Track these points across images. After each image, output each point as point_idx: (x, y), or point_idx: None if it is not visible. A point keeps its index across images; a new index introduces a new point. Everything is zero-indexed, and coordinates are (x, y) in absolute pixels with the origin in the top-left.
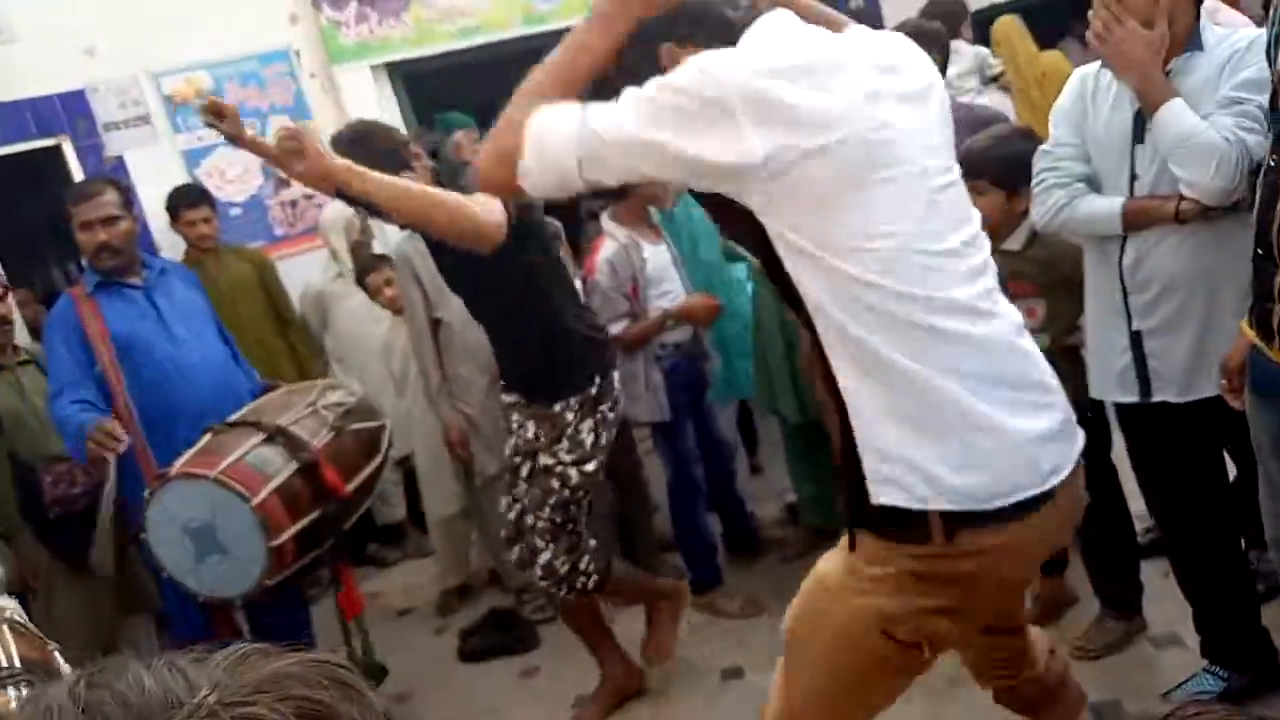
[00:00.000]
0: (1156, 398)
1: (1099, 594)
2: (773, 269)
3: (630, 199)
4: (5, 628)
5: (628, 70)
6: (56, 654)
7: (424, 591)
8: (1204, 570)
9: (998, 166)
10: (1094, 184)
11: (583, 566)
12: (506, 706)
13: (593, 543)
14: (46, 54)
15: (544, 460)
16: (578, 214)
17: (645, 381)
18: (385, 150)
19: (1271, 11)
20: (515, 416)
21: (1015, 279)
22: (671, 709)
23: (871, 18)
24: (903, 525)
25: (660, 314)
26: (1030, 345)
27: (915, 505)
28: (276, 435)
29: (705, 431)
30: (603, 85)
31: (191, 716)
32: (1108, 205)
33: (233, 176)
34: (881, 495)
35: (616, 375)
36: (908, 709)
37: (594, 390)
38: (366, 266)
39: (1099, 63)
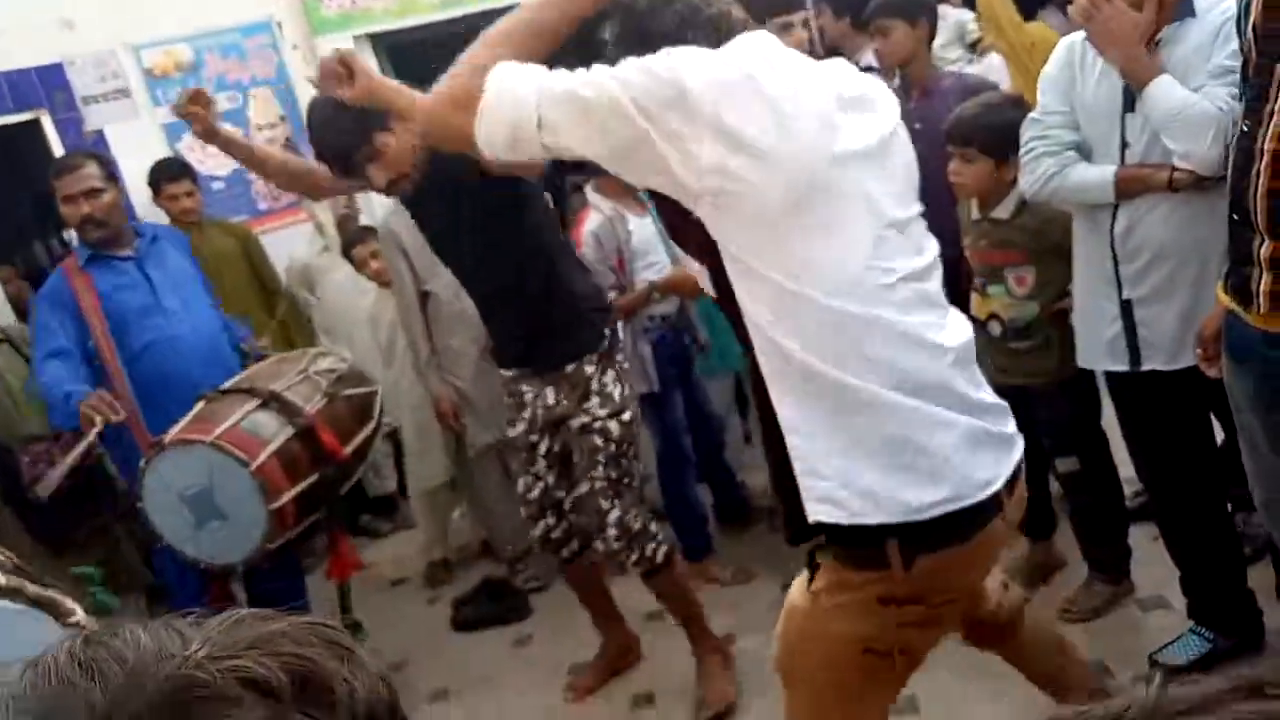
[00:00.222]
0: (1146, 366)
1: (1087, 558)
2: (718, 280)
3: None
4: None
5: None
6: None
7: (416, 562)
8: (1191, 534)
9: (986, 134)
10: (1084, 152)
11: (653, 529)
12: (501, 675)
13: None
14: (23, 26)
15: (578, 421)
16: (563, 186)
17: (632, 353)
18: (368, 111)
19: None
20: (525, 389)
21: (1005, 247)
22: (664, 674)
23: None
24: (859, 553)
25: (646, 286)
26: (972, 364)
27: (850, 521)
28: (271, 401)
29: (693, 403)
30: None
31: (180, 667)
32: (1099, 174)
33: (215, 150)
34: (818, 513)
35: (621, 328)
36: None
37: (605, 345)
38: (353, 239)
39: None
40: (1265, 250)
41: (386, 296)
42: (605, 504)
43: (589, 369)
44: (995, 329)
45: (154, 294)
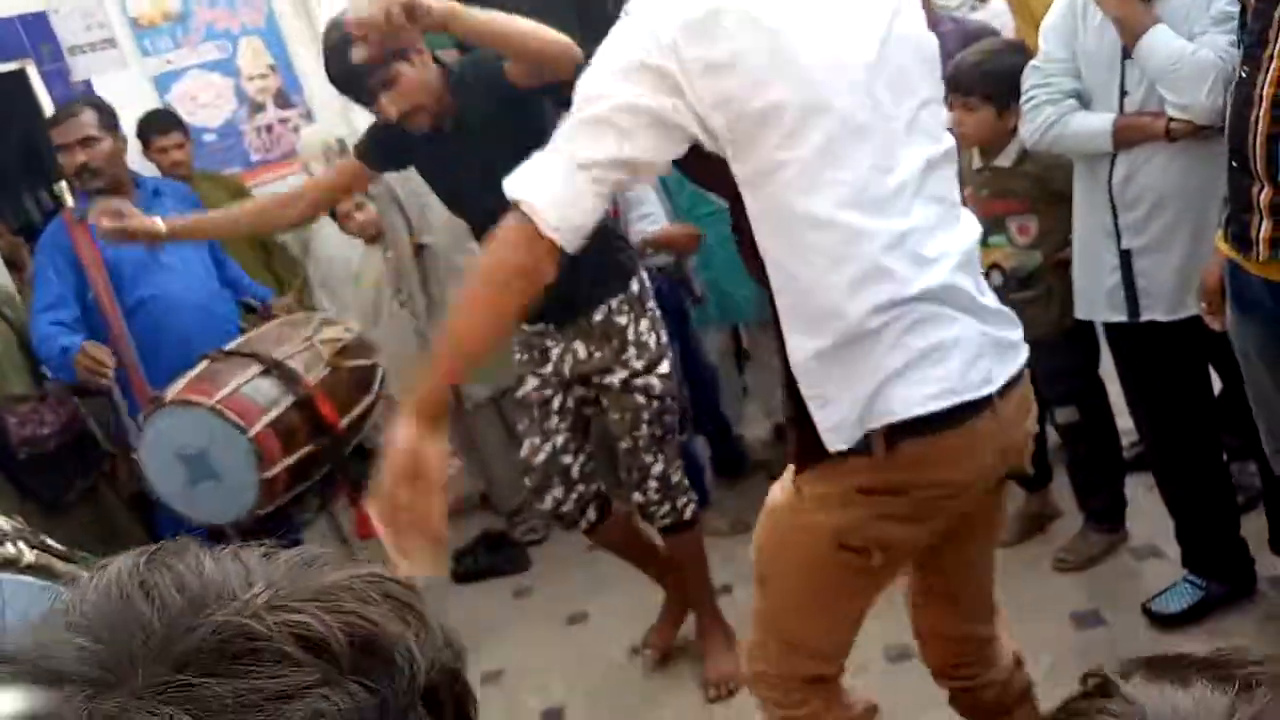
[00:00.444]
0: (1145, 317)
1: (1083, 508)
2: (737, 218)
3: None
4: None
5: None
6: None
7: None
8: (1187, 483)
9: (988, 81)
10: (1084, 100)
11: (687, 484)
12: (504, 626)
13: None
14: None
15: (617, 377)
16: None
17: None
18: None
19: None
20: (549, 343)
21: (1007, 196)
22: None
23: None
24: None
25: (640, 241)
26: (976, 267)
27: (860, 443)
28: (274, 368)
29: (689, 355)
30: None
31: (239, 613)
32: (1098, 122)
33: (205, 101)
34: (836, 443)
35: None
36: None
37: (636, 288)
38: None
39: None
40: (1264, 196)
41: (372, 253)
42: (649, 459)
43: (621, 319)
44: (996, 279)
45: (153, 249)
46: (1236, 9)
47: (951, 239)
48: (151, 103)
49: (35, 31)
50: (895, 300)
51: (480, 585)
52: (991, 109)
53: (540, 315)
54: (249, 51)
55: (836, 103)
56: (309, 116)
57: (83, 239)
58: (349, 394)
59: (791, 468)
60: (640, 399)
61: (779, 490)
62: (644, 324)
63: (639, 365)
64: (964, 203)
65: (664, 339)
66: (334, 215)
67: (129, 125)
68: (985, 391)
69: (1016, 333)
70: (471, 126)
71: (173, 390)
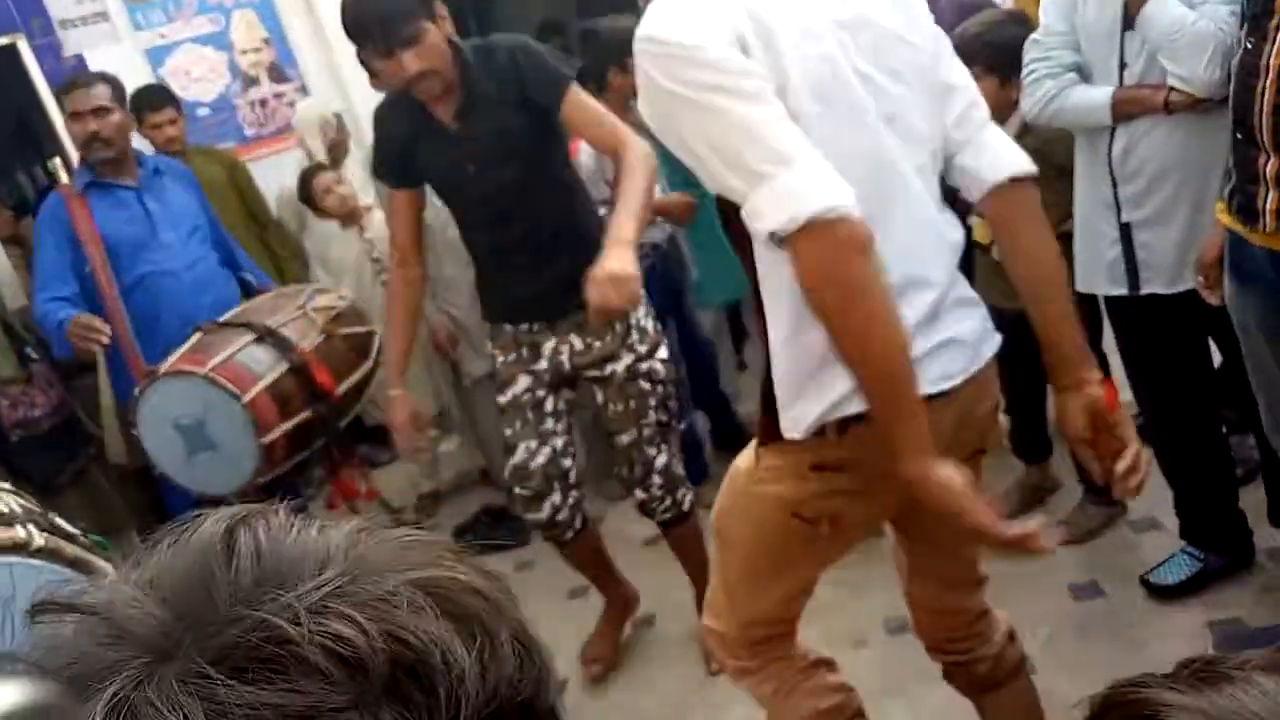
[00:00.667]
0: (1145, 290)
1: (1083, 481)
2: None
3: (610, 92)
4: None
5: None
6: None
7: (409, 494)
8: (1186, 455)
9: (991, 52)
10: (1084, 73)
11: (683, 474)
12: None
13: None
14: None
15: (621, 365)
16: None
17: None
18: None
19: None
20: (541, 340)
21: None
22: (662, 597)
23: None
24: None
25: None
26: (946, 255)
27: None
28: (266, 336)
29: (685, 332)
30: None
31: (282, 611)
32: (1098, 96)
33: (199, 75)
34: (793, 433)
35: None
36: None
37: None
38: (307, 175)
39: None
40: (1271, 167)
41: (349, 235)
42: (653, 451)
43: None
44: (998, 252)
45: (151, 227)
46: None
47: (924, 234)
48: (144, 77)
49: (26, 5)
50: None
51: (482, 560)
52: (995, 79)
53: (530, 314)
54: (242, 25)
55: (824, 89)
56: (304, 90)
57: (80, 214)
58: (345, 361)
59: (755, 442)
60: (645, 385)
61: (742, 457)
62: (641, 309)
63: (643, 350)
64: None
65: (658, 326)
66: (308, 200)
67: None
68: (943, 387)
69: (984, 325)
70: (480, 114)
71: (167, 363)
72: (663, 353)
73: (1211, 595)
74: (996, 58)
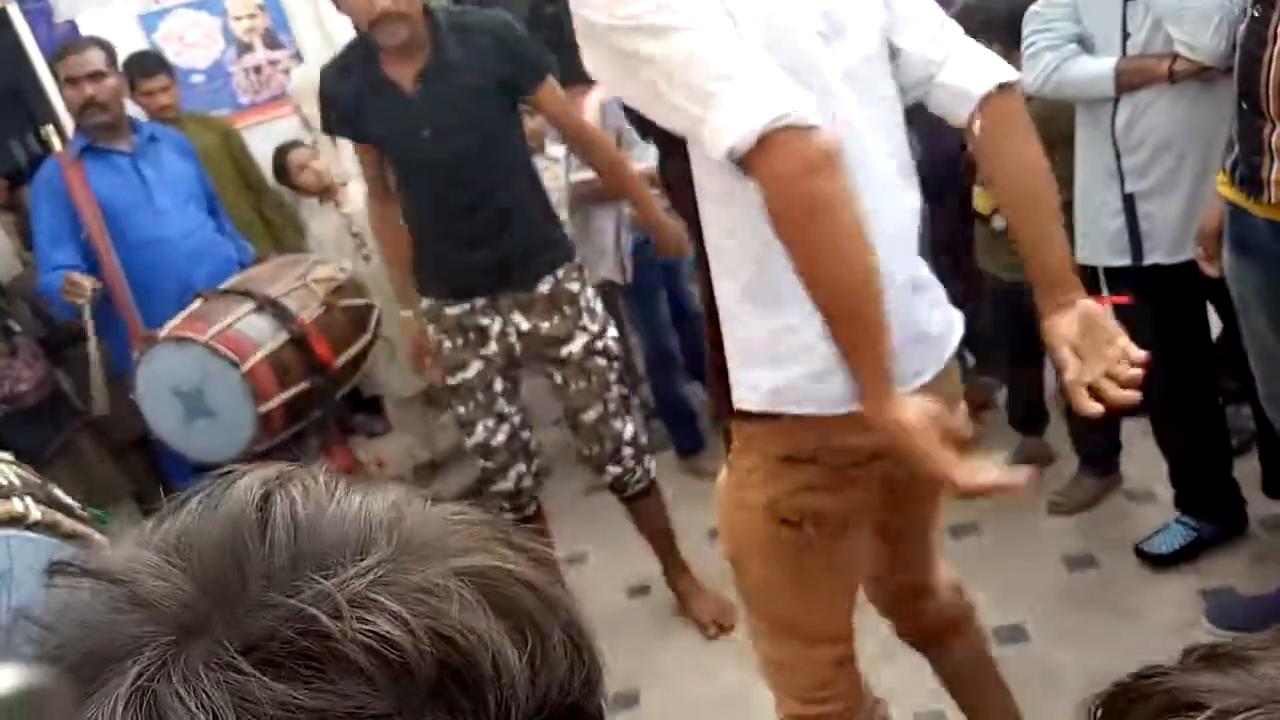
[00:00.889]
0: (1148, 260)
1: (1079, 452)
2: (668, 169)
3: None
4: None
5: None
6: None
7: (405, 464)
8: (1182, 425)
9: (998, 21)
10: (1086, 44)
11: (645, 440)
12: None
13: None
14: None
15: (577, 345)
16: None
17: (615, 240)
18: None
19: None
20: (484, 320)
21: None
22: (656, 562)
23: None
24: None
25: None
26: (912, 242)
27: (772, 409)
28: (266, 305)
29: (677, 303)
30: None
31: (320, 601)
32: (1100, 67)
33: (192, 41)
34: (743, 401)
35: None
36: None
37: (578, 259)
38: (282, 151)
39: None
40: (1276, 137)
41: (325, 210)
42: (619, 425)
43: (573, 286)
44: (999, 223)
45: (147, 193)
46: None
47: (884, 202)
48: (137, 42)
49: None
50: None
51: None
52: (1002, 48)
53: (469, 290)
54: None
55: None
56: (298, 57)
57: (76, 180)
58: (344, 333)
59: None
60: (603, 361)
61: (722, 475)
62: (590, 291)
63: (595, 329)
64: (964, 145)
65: (603, 308)
66: (281, 173)
67: None
68: (911, 386)
69: (946, 314)
70: (444, 80)
71: (167, 328)
72: (612, 331)
73: (1205, 564)
74: (1003, 24)
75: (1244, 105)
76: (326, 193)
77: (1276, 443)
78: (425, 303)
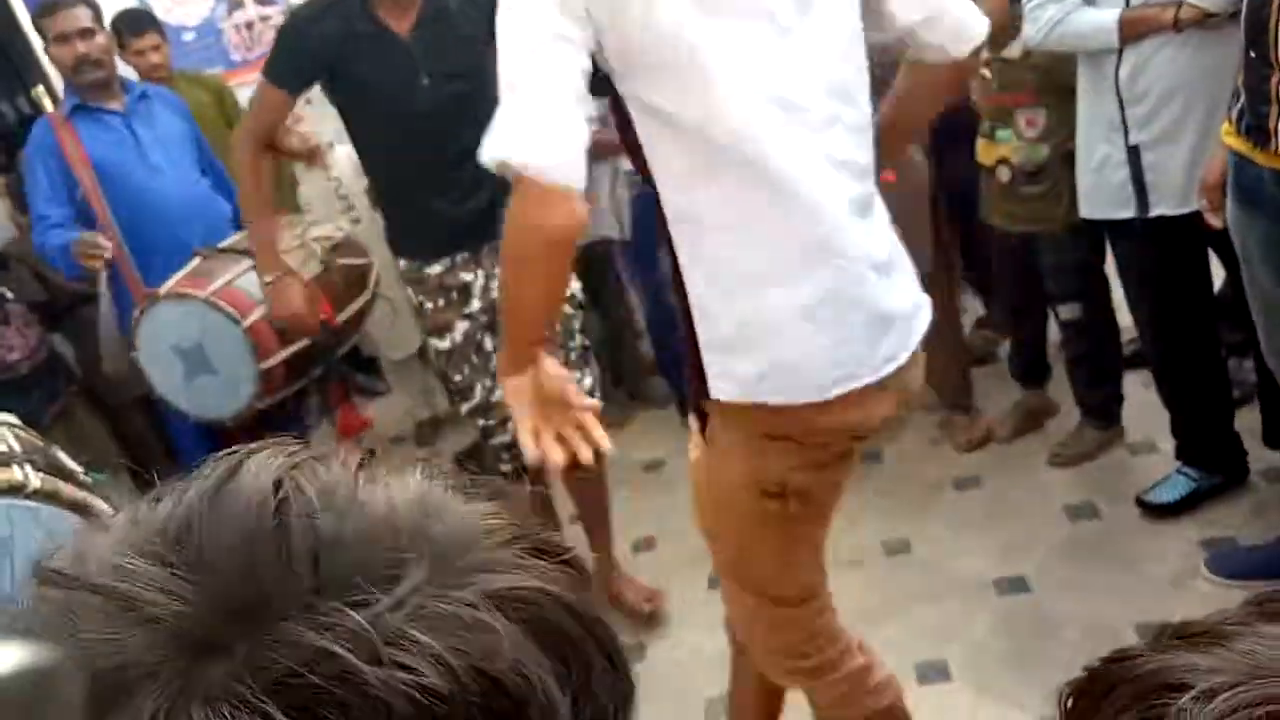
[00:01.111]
0: (1154, 212)
1: (1080, 404)
2: (630, 142)
3: None
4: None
5: None
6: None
7: (405, 422)
8: (1185, 377)
9: None
10: None
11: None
12: None
13: None
14: None
15: None
16: None
17: (610, 195)
18: None
19: None
20: (466, 276)
21: (1015, 88)
22: (663, 519)
23: None
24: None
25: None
26: (879, 220)
27: (746, 399)
28: None
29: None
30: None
31: (351, 641)
32: (1102, 19)
33: None
34: (719, 392)
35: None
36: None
37: None
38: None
39: None
40: None
41: (313, 175)
42: (579, 374)
43: None
44: (1004, 174)
45: (140, 151)
46: None
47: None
48: (125, 0)
49: None
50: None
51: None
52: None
53: (454, 245)
54: None
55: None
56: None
57: (69, 139)
58: (343, 290)
59: (695, 430)
60: (569, 308)
61: (696, 449)
62: None
63: None
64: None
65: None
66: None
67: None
68: (886, 371)
69: (913, 293)
70: (441, 25)
71: (167, 285)
72: (575, 283)
73: (1205, 514)
74: None
75: (1251, 54)
76: (312, 156)
77: (1278, 394)
78: (404, 264)
